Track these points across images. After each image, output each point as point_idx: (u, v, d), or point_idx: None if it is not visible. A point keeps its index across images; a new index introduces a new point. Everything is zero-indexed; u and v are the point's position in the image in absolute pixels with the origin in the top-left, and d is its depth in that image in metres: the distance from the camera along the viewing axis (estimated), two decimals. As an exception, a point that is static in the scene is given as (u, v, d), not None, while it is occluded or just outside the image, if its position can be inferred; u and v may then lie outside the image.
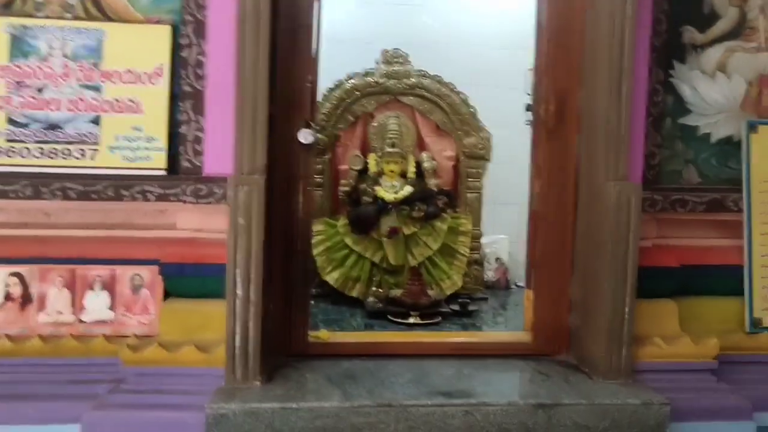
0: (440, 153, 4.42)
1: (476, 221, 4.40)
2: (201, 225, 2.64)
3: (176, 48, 2.68)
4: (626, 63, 2.61)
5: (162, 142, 2.67)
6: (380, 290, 3.92)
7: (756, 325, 2.79)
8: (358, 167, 4.27)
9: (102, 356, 2.53)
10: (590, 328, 2.70)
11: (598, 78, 2.68)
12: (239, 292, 2.42)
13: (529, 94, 3.23)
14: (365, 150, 4.39)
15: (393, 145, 4.21)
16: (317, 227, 4.20)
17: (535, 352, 2.88)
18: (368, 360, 2.76)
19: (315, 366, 2.70)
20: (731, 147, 2.94)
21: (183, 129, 2.68)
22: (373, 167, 4.26)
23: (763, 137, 2.85)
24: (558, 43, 2.85)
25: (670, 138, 2.92)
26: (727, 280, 2.84)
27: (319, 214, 4.32)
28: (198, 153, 2.68)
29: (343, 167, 4.38)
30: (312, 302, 4.13)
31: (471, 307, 3.90)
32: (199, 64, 2.66)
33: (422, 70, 4.38)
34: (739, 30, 2.93)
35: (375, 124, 4.34)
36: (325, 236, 4.18)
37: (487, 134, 4.40)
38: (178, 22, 2.67)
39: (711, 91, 2.92)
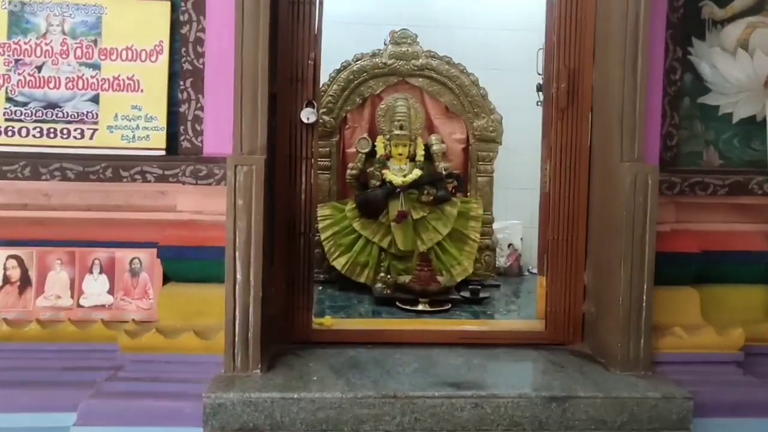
0: (450, 136, 4.32)
1: (487, 206, 4.30)
2: (201, 207, 2.57)
3: (176, 24, 2.60)
4: (641, 39, 2.49)
5: (161, 121, 2.59)
6: (388, 276, 3.83)
7: (781, 314, 2.66)
8: (366, 150, 4.17)
9: (100, 342, 2.47)
10: (606, 316, 2.59)
11: (611, 55, 2.55)
12: (239, 276, 2.34)
13: (540, 74, 3.11)
14: (373, 132, 4.28)
15: (401, 128, 4.11)
16: (324, 211, 4.12)
17: (549, 341, 2.78)
18: (374, 348, 2.68)
19: (318, 354, 2.62)
20: (754, 127, 2.81)
21: (183, 108, 2.60)
22: (381, 150, 4.16)
23: (788, 117, 2.71)
24: (569, 19, 2.73)
25: (689, 118, 2.80)
26: (752, 267, 2.71)
27: (327, 197, 4.25)
28: (198, 133, 2.60)
29: (351, 150, 4.29)
30: (320, 288, 4.13)
31: (482, 294, 3.80)
32: (199, 42, 2.58)
33: (431, 51, 4.26)
34: (761, 5, 2.79)
35: (383, 106, 4.23)
36: (333, 221, 4.09)
37: (498, 116, 4.28)
38: (178, -1, 2.58)
39: (732, 68, 2.79)
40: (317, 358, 2.57)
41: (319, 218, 4.12)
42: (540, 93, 3.20)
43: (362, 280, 3.95)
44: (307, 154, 2.69)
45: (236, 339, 2.36)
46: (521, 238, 4.77)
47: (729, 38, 2.80)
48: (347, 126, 4.32)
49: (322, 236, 4.07)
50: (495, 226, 4.60)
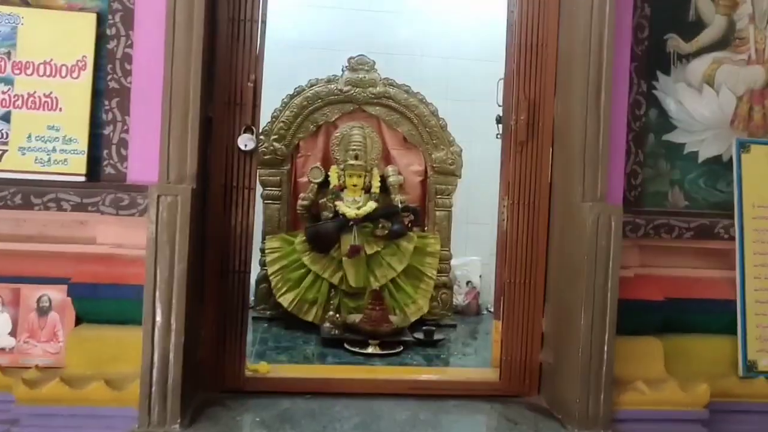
0: (407, 167, 4.13)
1: (445, 241, 4.10)
2: (122, 240, 2.32)
3: (102, 39, 2.36)
4: (605, 70, 2.34)
5: (82, 144, 2.34)
6: (337, 315, 3.58)
7: (750, 368, 2.49)
8: (319, 180, 3.95)
9: (-4, 391, 2.17)
10: (564, 368, 2.39)
11: (573, 86, 2.40)
12: (158, 318, 2.08)
13: (500, 105, 2.95)
14: (327, 162, 4.08)
15: (356, 158, 3.91)
16: (273, 243, 3.88)
17: (503, 392, 2.57)
18: (313, 399, 2.44)
19: (250, 405, 2.36)
20: (720, 167, 2.67)
21: (107, 130, 2.36)
22: (334, 180, 3.95)
23: (755, 158, 2.59)
24: (530, 47, 2.58)
25: (654, 156, 2.65)
26: (718, 317, 2.54)
27: (276, 229, 4.01)
28: (124, 158, 2.36)
29: (303, 179, 4.07)
30: (265, 325, 3.87)
31: (436, 336, 3.58)
32: (128, 58, 2.35)
33: (389, 79, 4.09)
34: (728, 40, 2.68)
35: (337, 135, 4.03)
36: (281, 254, 3.84)
37: (458, 149, 4.11)
38: (105, 11, 2.36)
39: (698, 105, 2.67)
40: (247, 410, 2.32)
41: (267, 251, 3.89)
42: (499, 125, 3.03)
43: (310, 318, 3.70)
44: (246, 183, 2.46)
45: (153, 389, 2.09)
46: (480, 276, 4.58)
47: (695, 73, 2.68)
48: (300, 154, 4.11)
49: (269, 270, 3.82)
50: (453, 262, 4.40)
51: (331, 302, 3.72)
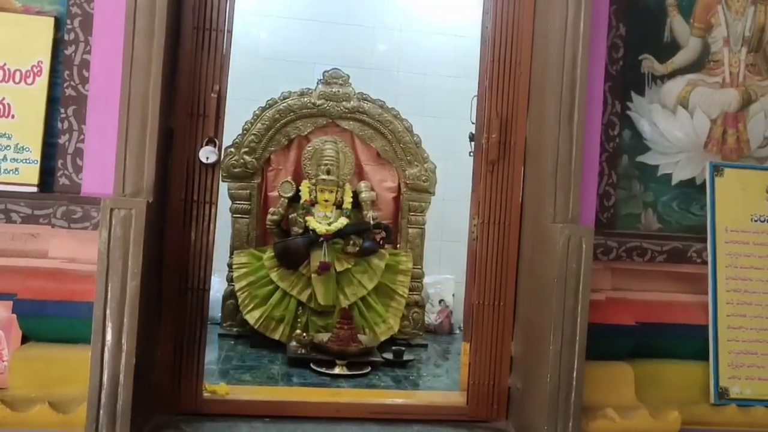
0: (380, 183, 4.07)
1: (417, 259, 4.03)
2: (75, 254, 2.21)
3: (59, 44, 2.27)
4: (578, 90, 2.30)
5: (35, 153, 2.24)
6: (304, 335, 3.48)
7: (722, 395, 2.43)
8: (289, 194, 3.87)
9: (-67, 414, 2.04)
10: (532, 393, 2.32)
11: (546, 105, 2.35)
12: (108, 338, 1.98)
13: (473, 123, 2.90)
14: (298, 176, 4.00)
15: (328, 172, 3.84)
16: (240, 259, 3.79)
17: (469, 417, 2.49)
18: (273, 423, 2.34)
19: (206, 429, 2.26)
20: (694, 190, 2.64)
21: (62, 139, 2.27)
22: (305, 195, 3.87)
23: (728, 181, 2.56)
24: (503, 63, 2.53)
25: (627, 177, 2.62)
26: (690, 342, 2.49)
27: (245, 244, 3.92)
28: (80, 169, 2.26)
29: (274, 194, 3.98)
30: (232, 342, 3.76)
31: (406, 357, 3.50)
32: (86, 65, 2.26)
33: (363, 94, 4.03)
34: (702, 62, 2.66)
35: (310, 149, 3.96)
36: (249, 269, 3.75)
37: (432, 165, 4.06)
38: (63, 15, 2.27)
39: (672, 127, 2.64)
40: (203, 435, 2.21)
41: (235, 266, 3.79)
42: (472, 143, 2.98)
43: (277, 336, 3.61)
44: (207, 198, 2.37)
45: (101, 413, 1.98)
46: (453, 294, 4.51)
47: (669, 95, 2.65)
48: (270, 168, 4.02)
49: (237, 286, 3.73)
50: (426, 280, 4.34)
51: (299, 320, 3.63)
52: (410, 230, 4.04)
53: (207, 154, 2.30)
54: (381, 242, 3.82)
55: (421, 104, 4.69)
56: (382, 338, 3.67)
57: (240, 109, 4.01)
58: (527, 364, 2.39)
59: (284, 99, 4.00)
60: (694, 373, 2.46)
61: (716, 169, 2.56)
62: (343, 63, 4.20)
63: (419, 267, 4.03)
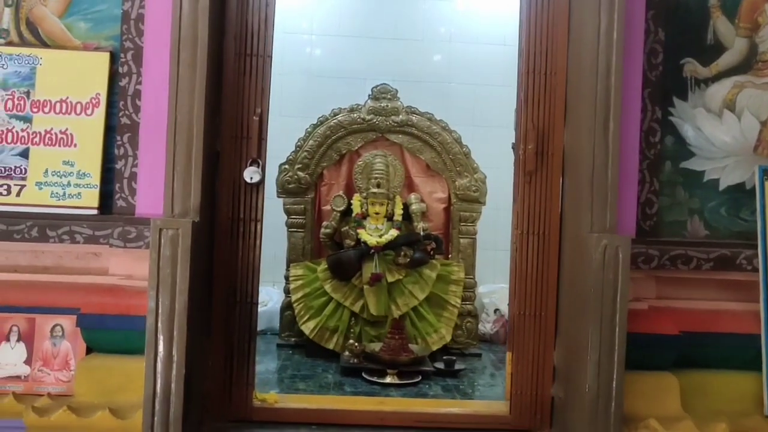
0: (430, 195, 4.11)
1: (470, 269, 4.05)
2: (131, 271, 2.37)
3: (114, 77, 2.46)
4: (613, 97, 2.29)
5: (95, 178, 2.42)
6: (356, 344, 3.57)
7: (775, 406, 2.36)
8: (341, 208, 3.97)
9: (9, 418, 2.23)
10: (573, 402, 2.32)
11: (581, 115, 2.35)
12: (161, 350, 2.12)
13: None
14: (350, 190, 4.10)
15: (378, 186, 3.92)
16: (297, 271, 3.91)
17: (513, 427, 2.51)
18: (318, 430, 2.43)
19: (255, 436, 2.37)
20: (743, 195, 2.57)
21: (119, 164, 2.44)
22: (357, 208, 3.96)
23: (779, 185, 2.47)
24: (539, 74, 2.55)
25: (671, 184, 2.57)
26: (740, 352, 2.42)
27: (300, 257, 4.04)
28: (134, 191, 2.43)
29: (327, 208, 4.09)
30: (290, 352, 3.88)
31: (457, 366, 3.52)
32: (139, 95, 2.44)
33: (411, 107, 4.10)
34: (750, 63, 2.59)
35: (360, 163, 4.05)
36: (304, 281, 3.87)
37: (482, 175, 4.07)
38: (118, 49, 2.45)
39: (718, 131, 2.58)
40: (252, 441, 2.33)
41: (291, 278, 3.92)
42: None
43: (331, 346, 3.70)
44: (252, 216, 2.49)
45: (155, 419, 2.12)
46: (508, 304, 4.47)
47: (714, 98, 2.59)
48: (323, 183, 4.14)
49: (293, 297, 3.85)
50: (480, 290, 4.36)
51: (352, 330, 3.72)
52: (462, 240, 4.07)
53: (251, 174, 2.42)
54: (431, 253, 3.86)
55: (471, 115, 4.72)
56: (434, 348, 3.70)
57: (295, 127, 4.17)
58: (569, 374, 2.38)
59: (335, 115, 4.12)
60: (746, 384, 2.38)
61: (766, 173, 2.48)
62: (393, 77, 4.29)
63: (471, 277, 4.05)
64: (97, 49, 2.45)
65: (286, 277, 4.00)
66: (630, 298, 2.33)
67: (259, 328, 4.23)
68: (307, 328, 3.75)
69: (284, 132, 4.10)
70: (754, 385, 2.38)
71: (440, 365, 3.50)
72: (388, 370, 3.33)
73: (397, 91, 4.15)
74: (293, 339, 3.97)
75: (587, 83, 2.33)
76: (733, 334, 2.41)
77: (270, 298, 4.40)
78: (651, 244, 2.46)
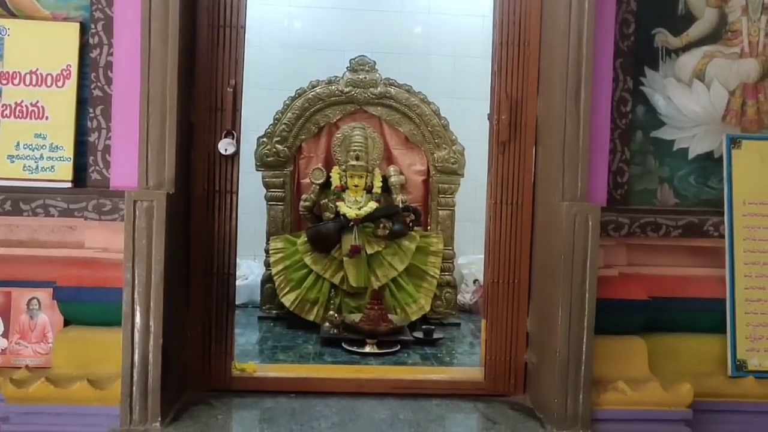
0: (409, 167, 4.13)
1: (448, 240, 4.09)
2: (107, 244, 2.38)
3: (85, 48, 2.43)
4: (585, 67, 2.31)
5: (68, 151, 2.41)
6: (336, 315, 3.61)
7: (740, 368, 2.43)
8: (320, 181, 3.98)
9: (-13, 391, 2.25)
10: (546, 367, 2.38)
11: (554, 85, 2.37)
12: (137, 320, 2.14)
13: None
14: (329, 163, 4.11)
15: (357, 158, 3.93)
16: (276, 244, 3.93)
17: (488, 392, 2.57)
18: (296, 398, 2.47)
19: (234, 404, 2.41)
20: (712, 164, 2.62)
21: (92, 137, 2.43)
22: (336, 181, 3.98)
23: (746, 153, 2.53)
24: (512, 45, 2.56)
25: (642, 153, 2.61)
26: (706, 315, 2.48)
27: (280, 230, 4.06)
28: (109, 164, 2.42)
29: (306, 181, 4.10)
30: (271, 324, 3.92)
31: (436, 335, 3.58)
32: (110, 66, 2.41)
33: (390, 79, 4.09)
34: (719, 33, 2.62)
35: (339, 136, 4.06)
36: (284, 254, 3.89)
37: (460, 147, 4.10)
38: (88, 20, 2.43)
39: (688, 101, 2.61)
40: (231, 409, 2.36)
41: (271, 251, 3.94)
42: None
43: (311, 318, 3.74)
44: (228, 187, 2.50)
45: (134, 389, 2.15)
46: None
47: (684, 68, 2.62)
48: (302, 156, 4.14)
49: (273, 270, 3.88)
50: (460, 261, 4.41)
51: (332, 302, 3.76)
52: (440, 212, 4.10)
53: (225, 146, 2.42)
54: (410, 225, 3.89)
55: (451, 87, 4.73)
56: (414, 318, 3.76)
57: (274, 100, 4.15)
58: (541, 340, 2.44)
59: (313, 88, 4.10)
60: (711, 346, 2.46)
61: (733, 142, 2.53)
62: (373, 49, 4.28)
63: (450, 248, 4.09)
64: (66, 19, 2.42)
65: (266, 251, 4.02)
66: (601, 265, 2.40)
67: (240, 302, 4.31)
68: (288, 300, 3.78)
69: (263, 104, 4.09)
70: (719, 347, 2.45)
71: (419, 334, 3.55)
72: (368, 340, 3.38)
73: (375, 63, 4.14)
74: (274, 311, 4.00)
75: (559, 53, 2.35)
76: (699, 299, 2.48)
77: (251, 271, 4.43)
78: (622, 212, 2.50)
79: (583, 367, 2.23)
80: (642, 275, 2.50)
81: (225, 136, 2.44)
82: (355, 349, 3.35)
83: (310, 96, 4.07)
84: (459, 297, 4.27)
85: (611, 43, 2.52)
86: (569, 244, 2.24)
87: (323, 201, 3.98)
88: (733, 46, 2.62)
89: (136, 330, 2.14)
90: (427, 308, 3.85)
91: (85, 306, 2.32)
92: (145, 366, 2.15)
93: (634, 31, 2.57)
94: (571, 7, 2.32)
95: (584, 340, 2.24)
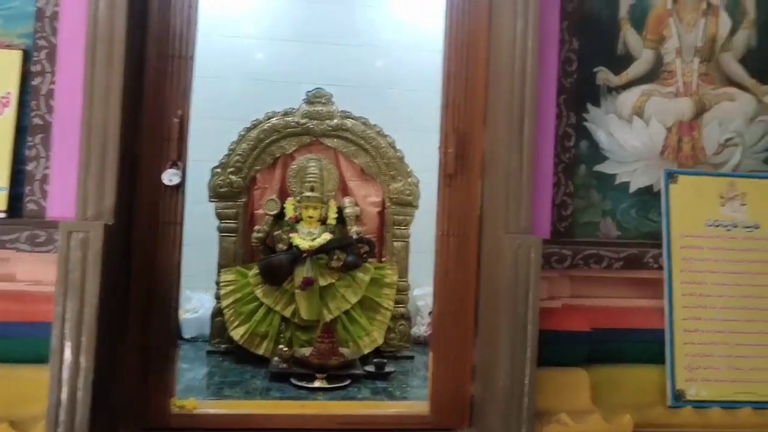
0: (365, 199, 4.15)
1: (403, 272, 4.09)
2: (39, 277, 2.30)
3: (27, 75, 2.38)
4: (528, 103, 2.36)
5: (3, 180, 2.34)
6: (286, 349, 3.55)
7: (678, 398, 2.45)
8: (274, 212, 3.97)
9: None
10: (490, 400, 2.36)
11: (499, 119, 2.41)
12: (67, 356, 2.07)
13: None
14: (284, 194, 4.09)
15: (312, 189, 3.93)
16: (227, 277, 3.89)
17: (434, 426, 2.54)
18: (238, 435, 2.41)
19: (172, 442, 2.33)
20: (652, 197, 2.67)
21: (30, 166, 2.36)
22: (290, 212, 3.96)
23: (683, 187, 2.59)
24: (460, 78, 2.59)
25: (585, 187, 2.65)
26: (647, 346, 2.50)
27: (232, 262, 4.01)
28: (46, 194, 2.36)
29: (260, 212, 4.08)
30: (220, 359, 3.84)
31: (388, 368, 3.55)
32: (52, 94, 2.37)
33: (346, 111, 4.13)
34: (656, 73, 2.70)
35: (294, 167, 4.06)
36: (235, 287, 3.84)
37: (415, 179, 4.13)
38: (31, 47, 2.38)
39: (628, 136, 2.67)
40: (168, 448, 2.29)
41: (221, 284, 3.89)
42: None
43: (261, 352, 3.69)
44: (173, 219, 2.46)
45: (59, 429, 2.06)
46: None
47: (624, 105, 2.69)
48: (256, 187, 4.13)
49: (224, 303, 3.82)
50: (415, 292, 4.41)
51: (282, 335, 3.70)
52: (395, 244, 4.11)
53: (170, 177, 2.39)
54: (364, 256, 3.89)
55: (410, 119, 4.78)
56: (366, 351, 3.73)
57: (234, 130, 4.13)
58: (486, 372, 2.43)
59: (269, 119, 4.11)
60: (651, 376, 2.47)
61: (671, 176, 2.59)
62: (331, 82, 4.32)
63: (405, 280, 4.09)
64: (8, 46, 2.38)
65: (217, 283, 3.96)
66: (544, 297, 2.42)
67: (190, 335, 4.24)
68: (237, 333, 3.72)
69: (222, 135, 4.08)
70: (659, 378, 2.47)
71: (371, 368, 3.52)
72: (318, 375, 3.34)
73: (331, 95, 4.17)
74: (223, 345, 3.94)
75: (504, 89, 2.39)
76: (640, 330, 2.50)
77: (202, 304, 4.35)
78: (565, 245, 2.53)
79: (526, 400, 2.23)
80: (585, 307, 2.52)
81: (170, 167, 2.41)
82: (303, 384, 3.30)
83: (265, 127, 4.07)
84: (414, 329, 4.26)
85: (554, 79, 2.57)
86: (512, 276, 2.25)
87: (276, 232, 3.95)
88: (669, 85, 2.70)
89: (64, 366, 2.07)
90: (380, 341, 3.83)
91: (14, 342, 2.22)
92: (73, 404, 2.07)
93: (577, 69, 2.63)
94: (515, 44, 2.38)
95: (527, 372, 2.24)
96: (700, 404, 2.43)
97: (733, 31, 2.72)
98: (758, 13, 2.73)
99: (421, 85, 4.88)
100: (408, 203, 4.12)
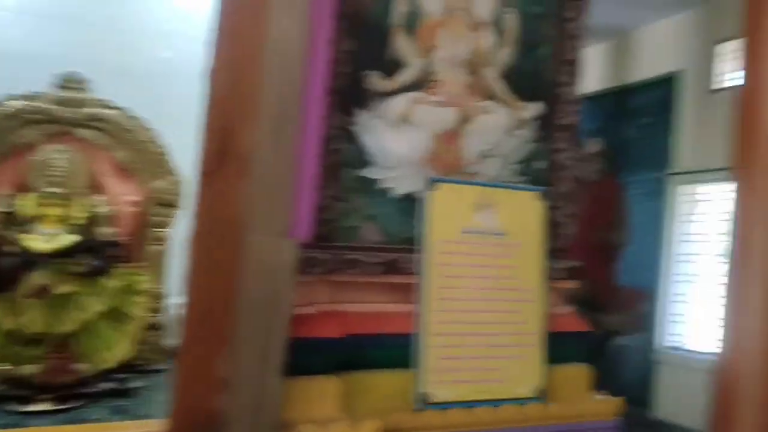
0: (120, 197, 3.73)
1: (160, 278, 3.74)
2: None
3: None
4: (291, 102, 2.24)
5: None
6: (10, 368, 3.02)
7: (423, 400, 2.46)
8: (3, 209, 3.39)
9: None
10: (235, 413, 2.16)
11: (263, 118, 2.26)
12: None
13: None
14: (24, 189, 3.54)
15: (55, 185, 3.43)
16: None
17: (172, 445, 2.26)
18: None
19: None
20: (414, 204, 2.69)
21: None
22: (28, 210, 3.42)
23: (443, 194, 2.65)
24: (227, 72, 2.39)
25: (349, 191, 2.60)
26: (399, 351, 2.48)
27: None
28: None
29: (-12, 208, 3.48)
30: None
31: (133, 384, 3.18)
32: None
33: (103, 100, 3.71)
34: (424, 81, 2.75)
35: (36, 159, 3.52)
36: (-51, 296, 3.20)
37: (179, 178, 3.82)
38: None
39: (394, 142, 2.68)
40: None
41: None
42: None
43: (-26, 372, 3.10)
44: None
45: None
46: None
47: (393, 111, 2.69)
48: (-13, 178, 3.52)
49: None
50: (174, 300, 4.05)
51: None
52: (152, 247, 3.75)
53: None
54: (114, 261, 3.48)
55: (181, 115, 4.44)
56: (109, 365, 3.33)
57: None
58: (232, 384, 2.23)
59: (8, 102, 3.54)
60: (402, 381, 2.46)
61: (430, 184, 2.64)
62: (97, 68, 3.86)
63: (160, 286, 3.75)
64: None
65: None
66: (300, 303, 2.30)
67: None
68: (-54, 349, 3.09)
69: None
70: (410, 382, 2.47)
71: (111, 385, 3.12)
72: (39, 396, 2.87)
73: (88, 80, 3.72)
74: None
75: (270, 86, 2.25)
76: (393, 335, 2.48)
77: None
78: (324, 249, 2.45)
79: (269, 411, 2.08)
80: (341, 312, 2.45)
81: None
82: (22, 408, 2.81)
83: (2, 113, 3.49)
84: (170, 340, 3.92)
85: (323, 80, 2.48)
86: (262, 281, 2.10)
87: (2, 233, 3.38)
88: (436, 94, 2.76)
89: None
90: (128, 354, 3.44)
91: None
92: None
93: (348, 72, 2.58)
94: (282, 40, 2.25)
95: (271, 382, 2.09)
96: (443, 405, 2.48)
97: (497, 47, 2.86)
98: (520, 32, 2.90)
99: (197, 78, 4.60)
100: (169, 203, 3.80)
